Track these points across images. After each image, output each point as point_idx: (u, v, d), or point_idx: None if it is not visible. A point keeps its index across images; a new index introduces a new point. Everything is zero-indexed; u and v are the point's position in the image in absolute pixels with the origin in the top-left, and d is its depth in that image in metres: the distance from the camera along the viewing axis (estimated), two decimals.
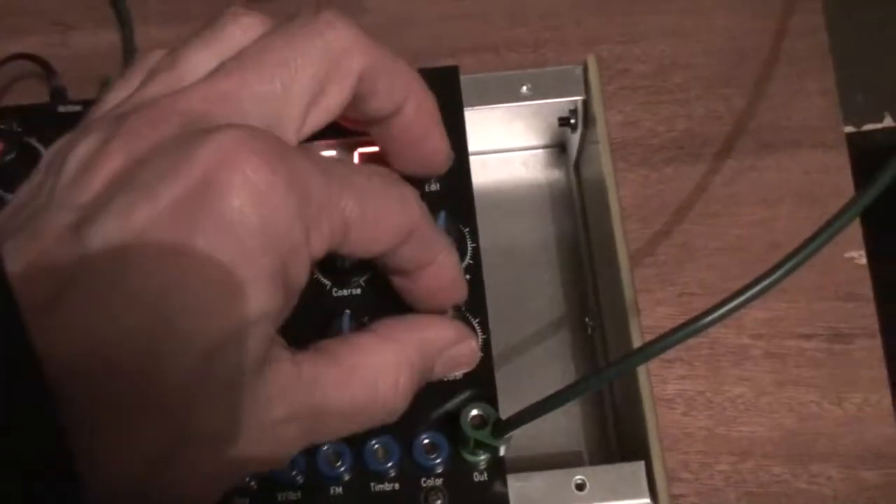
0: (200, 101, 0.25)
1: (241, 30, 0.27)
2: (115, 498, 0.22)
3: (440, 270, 0.30)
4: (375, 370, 0.27)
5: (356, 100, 0.28)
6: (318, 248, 0.25)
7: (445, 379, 0.33)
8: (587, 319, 0.42)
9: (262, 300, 0.23)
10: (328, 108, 0.28)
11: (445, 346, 0.30)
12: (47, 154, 0.26)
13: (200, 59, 0.27)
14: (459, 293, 0.32)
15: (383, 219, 0.27)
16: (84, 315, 0.21)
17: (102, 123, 0.25)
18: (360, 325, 0.33)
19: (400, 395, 0.28)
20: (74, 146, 0.25)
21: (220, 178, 0.22)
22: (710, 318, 0.27)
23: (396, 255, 0.28)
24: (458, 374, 0.33)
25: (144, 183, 0.23)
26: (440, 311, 0.32)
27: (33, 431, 0.20)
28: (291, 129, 0.26)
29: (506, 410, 0.32)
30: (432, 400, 0.33)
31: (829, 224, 0.26)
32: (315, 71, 0.27)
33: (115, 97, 0.28)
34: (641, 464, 0.35)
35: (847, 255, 0.45)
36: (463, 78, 0.39)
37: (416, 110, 0.30)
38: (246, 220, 0.22)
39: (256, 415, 0.24)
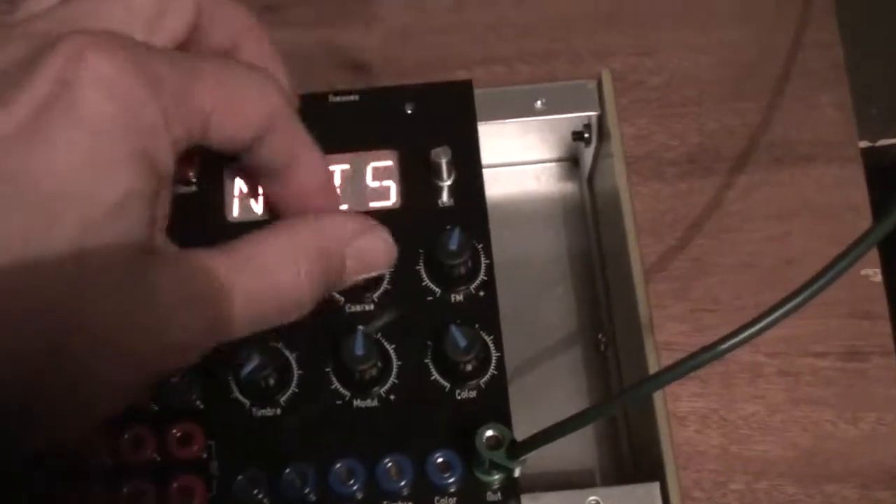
0: (50, 23, 0.26)
1: None
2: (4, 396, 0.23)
3: (308, 169, 0.31)
4: (271, 258, 0.28)
5: (197, 33, 0.30)
6: (181, 133, 0.26)
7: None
8: (600, 335, 0.42)
9: (128, 179, 0.25)
10: (171, 30, 0.29)
11: (350, 235, 0.30)
12: None
13: None
14: (332, 198, 0.32)
15: (243, 103, 0.28)
16: None
17: None
18: (373, 342, 0.33)
19: (304, 284, 0.28)
20: None
21: (70, 76, 0.24)
22: (726, 345, 0.26)
23: (261, 149, 0.29)
24: (377, 273, 0.33)
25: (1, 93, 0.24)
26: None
27: None
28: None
29: (518, 426, 0.32)
30: (445, 418, 0.33)
31: (850, 249, 0.26)
32: None
33: None
34: (656, 485, 0.34)
35: (863, 272, 0.45)
36: (477, 92, 0.38)
37: (257, 46, 0.31)
38: (102, 110, 0.24)
39: (144, 301, 0.25)
